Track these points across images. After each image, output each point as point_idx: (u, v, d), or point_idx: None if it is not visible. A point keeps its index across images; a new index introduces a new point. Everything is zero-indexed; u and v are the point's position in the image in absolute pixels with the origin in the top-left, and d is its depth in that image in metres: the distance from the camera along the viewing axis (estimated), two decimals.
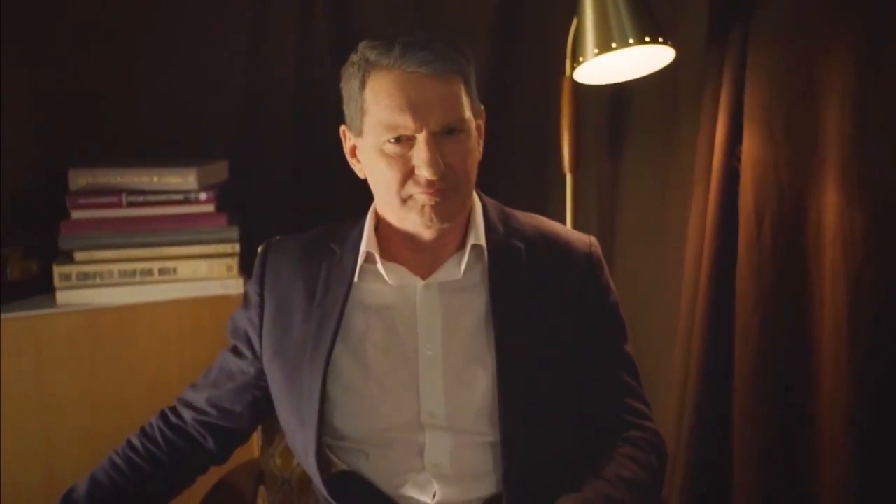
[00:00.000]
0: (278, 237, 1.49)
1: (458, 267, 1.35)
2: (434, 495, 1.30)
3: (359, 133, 1.32)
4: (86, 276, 1.78)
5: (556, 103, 2.00)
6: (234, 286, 1.80)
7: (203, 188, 1.83)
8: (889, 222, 1.63)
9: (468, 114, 1.30)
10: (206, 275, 1.81)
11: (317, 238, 1.46)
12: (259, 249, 1.48)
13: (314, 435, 1.32)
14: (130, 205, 1.80)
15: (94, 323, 1.80)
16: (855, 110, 1.66)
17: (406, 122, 1.25)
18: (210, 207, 1.81)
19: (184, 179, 1.80)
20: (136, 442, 1.41)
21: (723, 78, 1.90)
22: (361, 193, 1.48)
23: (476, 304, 1.35)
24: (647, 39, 1.75)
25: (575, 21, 1.84)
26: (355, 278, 1.36)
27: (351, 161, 1.38)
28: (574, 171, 1.98)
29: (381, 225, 1.40)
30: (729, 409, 1.86)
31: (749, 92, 1.81)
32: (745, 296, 1.78)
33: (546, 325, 1.36)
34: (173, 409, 1.46)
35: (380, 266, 1.36)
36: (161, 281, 1.81)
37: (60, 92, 2.04)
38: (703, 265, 1.86)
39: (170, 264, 1.82)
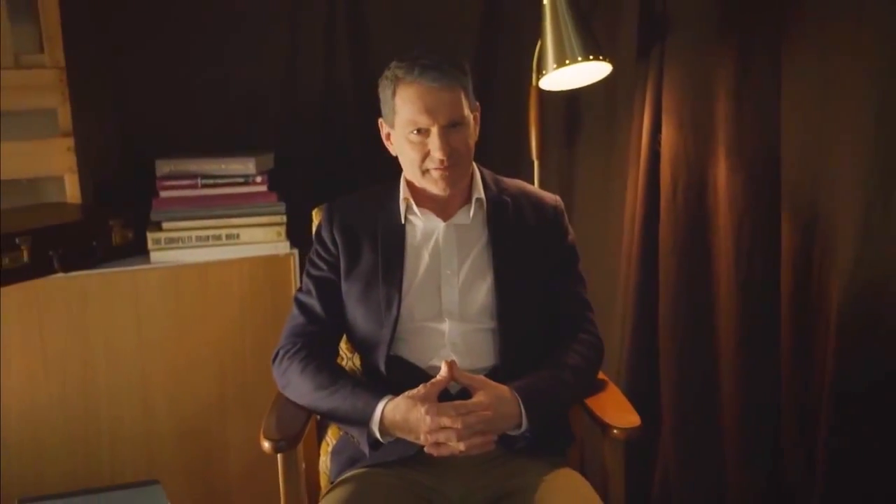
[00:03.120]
0: (336, 201, 1.82)
1: (468, 214, 1.76)
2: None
3: (391, 125, 1.73)
4: (171, 240, 2.08)
5: (525, 105, 2.28)
6: (283, 247, 2.11)
7: (258, 173, 2.11)
8: (758, 183, 1.99)
9: (467, 112, 1.69)
10: (261, 239, 2.12)
11: (365, 197, 1.84)
12: (323, 208, 1.82)
13: (390, 332, 1.68)
14: (204, 186, 2.10)
15: (177, 276, 2.06)
16: (734, 105, 2.01)
17: (424, 120, 1.66)
18: (264, 188, 2.12)
19: (244, 167, 2.11)
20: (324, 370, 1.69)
21: (647, 84, 2.19)
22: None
23: (479, 238, 1.75)
24: (591, 57, 2.05)
25: (539, 43, 2.14)
26: (402, 220, 1.75)
27: (386, 143, 1.77)
28: (539, 157, 2.28)
29: (409, 187, 1.78)
30: (656, 340, 2.18)
31: (665, 94, 2.15)
32: (665, 243, 2.13)
33: (527, 252, 1.75)
34: (305, 344, 1.73)
35: (415, 209, 1.75)
36: (227, 244, 2.11)
37: (134, 98, 2.25)
38: (636, 223, 2.20)
39: (234, 231, 2.11)
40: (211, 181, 2.11)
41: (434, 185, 1.71)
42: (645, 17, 2.17)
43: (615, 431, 1.57)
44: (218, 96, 2.28)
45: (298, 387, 1.68)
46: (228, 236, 2.12)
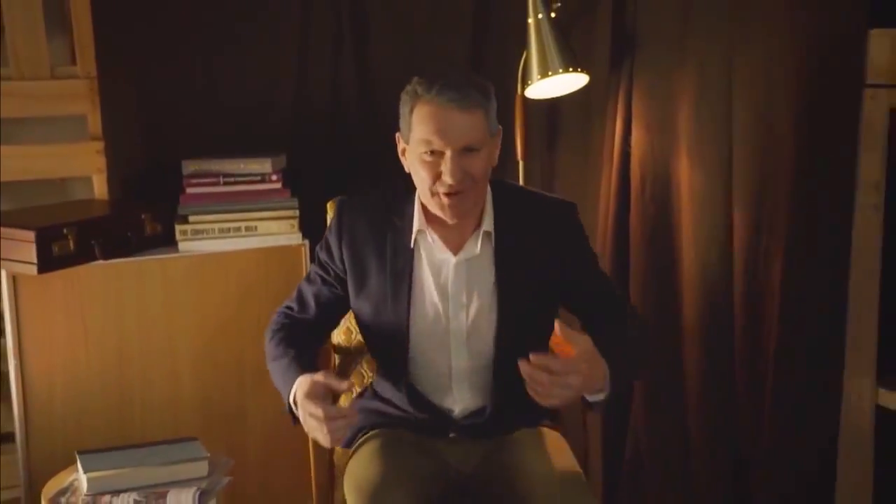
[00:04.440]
0: (345, 197, 1.82)
1: (476, 245, 1.69)
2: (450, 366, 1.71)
3: (407, 142, 1.65)
4: (196, 231, 2.28)
5: (511, 112, 2.38)
6: (295, 238, 2.31)
7: (273, 171, 2.30)
8: (715, 178, 2.17)
9: (484, 137, 1.60)
10: (276, 231, 2.31)
11: (378, 206, 1.76)
12: (334, 208, 1.81)
13: (404, 357, 1.70)
14: (225, 183, 2.30)
15: (202, 263, 2.26)
16: (694, 110, 2.19)
17: (438, 142, 1.57)
18: (279, 185, 2.31)
19: (261, 166, 2.30)
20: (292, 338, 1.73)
21: (619, 93, 2.37)
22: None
23: (488, 273, 1.70)
24: (570, 69, 2.22)
25: (524, 56, 2.30)
26: (411, 244, 1.69)
27: (401, 159, 1.70)
28: (524, 158, 2.42)
29: (423, 205, 1.70)
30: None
31: (635, 102, 2.33)
32: (636, 233, 2.31)
33: (535, 280, 1.70)
34: (290, 325, 1.77)
35: (429, 237, 1.69)
36: (246, 235, 2.30)
37: (159, 104, 2.45)
38: (610, 215, 2.38)
39: (252, 224, 2.30)
40: (231, 179, 2.32)
41: (442, 212, 1.64)
42: (616, 35, 2.37)
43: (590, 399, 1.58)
44: (235, 101, 2.49)
45: (266, 356, 1.76)
46: (247, 228, 2.32)
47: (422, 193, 1.67)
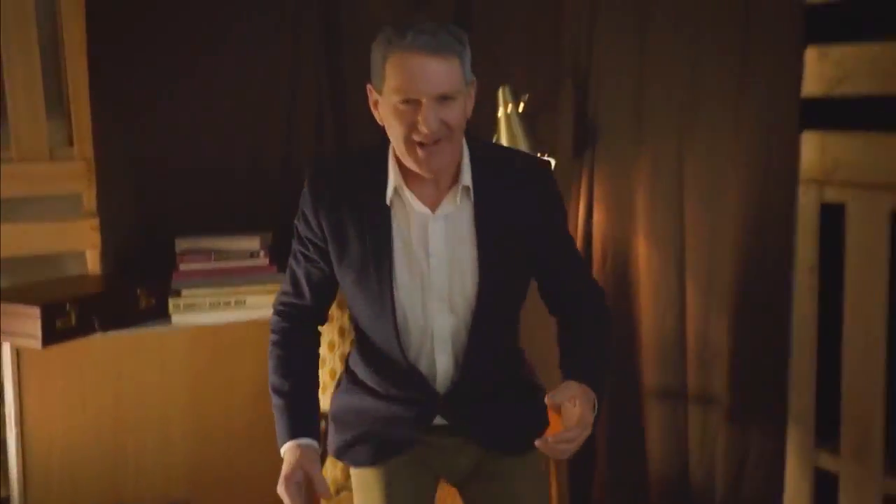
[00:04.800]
0: (321, 166, 1.72)
1: (455, 200, 1.65)
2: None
3: (380, 92, 1.58)
4: (189, 305, 2.42)
5: None
6: None
7: (261, 248, 2.47)
8: (669, 255, 2.33)
9: (459, 85, 1.55)
10: (264, 304, 2.41)
11: (351, 167, 1.70)
12: (308, 181, 1.69)
13: (394, 320, 1.65)
14: (216, 260, 2.47)
15: (194, 335, 2.41)
16: (649, 195, 2.37)
17: (413, 89, 1.51)
18: (266, 261, 2.49)
19: (250, 244, 2.48)
20: (292, 363, 1.70)
21: (582, 178, 2.55)
22: None
23: (467, 229, 1.66)
24: (538, 155, 2.36)
25: (494, 138, 2.47)
26: (387, 202, 1.63)
27: (374, 111, 1.63)
28: None
29: (399, 161, 1.64)
30: None
31: (596, 186, 2.51)
32: None
33: (514, 235, 1.67)
34: (292, 316, 1.75)
35: (406, 194, 1.63)
36: (236, 308, 2.45)
37: (151, 183, 2.58)
38: None
39: (241, 298, 2.46)
40: (223, 256, 2.48)
41: (418, 165, 1.58)
42: (579, 126, 2.55)
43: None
44: (225, 182, 2.65)
45: (269, 368, 1.74)
46: (237, 302, 2.47)
47: (397, 146, 1.61)
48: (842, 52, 1.97)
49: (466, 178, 1.65)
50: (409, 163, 1.60)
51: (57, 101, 2.60)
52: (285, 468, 1.59)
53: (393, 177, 1.65)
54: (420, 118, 1.53)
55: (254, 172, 2.71)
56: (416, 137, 1.55)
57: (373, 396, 1.79)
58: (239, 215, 2.66)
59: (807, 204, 2.08)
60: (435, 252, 1.66)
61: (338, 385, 1.92)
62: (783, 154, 2.09)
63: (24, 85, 2.47)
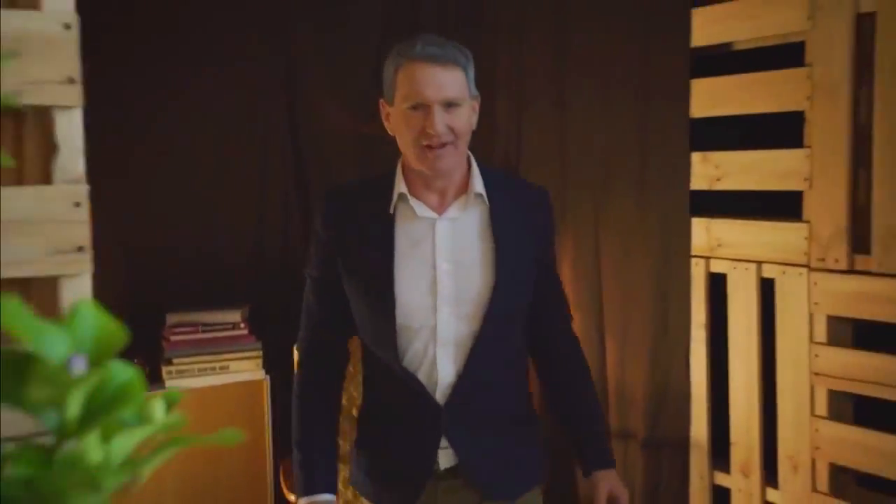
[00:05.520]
0: (335, 189, 1.81)
1: (463, 207, 1.71)
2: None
3: (391, 103, 1.68)
4: (180, 371, 2.73)
5: None
6: (259, 374, 2.78)
7: (242, 321, 2.81)
8: (589, 317, 2.79)
9: (464, 94, 1.64)
10: (244, 369, 2.77)
11: (360, 187, 1.79)
12: (322, 200, 1.78)
13: (393, 324, 1.67)
14: (203, 332, 2.77)
15: (186, 397, 2.76)
16: (572, 268, 2.82)
17: (422, 95, 1.61)
18: (246, 331, 2.81)
19: (232, 317, 2.81)
20: (320, 404, 1.76)
21: None
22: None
23: (475, 234, 1.71)
24: None
25: None
26: (391, 209, 1.69)
27: (385, 124, 1.72)
28: None
29: (405, 172, 1.72)
30: None
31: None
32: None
33: (522, 246, 1.73)
34: (312, 361, 1.78)
35: (411, 201, 1.68)
36: (220, 373, 2.76)
37: (140, 265, 2.89)
38: None
39: (225, 364, 2.77)
40: (209, 328, 2.81)
41: (427, 166, 1.65)
42: None
43: None
44: (206, 260, 3.00)
45: (293, 412, 1.80)
46: (221, 367, 2.80)
47: (406, 151, 1.68)
48: (719, 157, 2.55)
49: (479, 185, 1.72)
50: (418, 165, 1.66)
51: None
52: None
53: (398, 185, 1.71)
54: (428, 122, 1.61)
55: (230, 253, 3.06)
56: (424, 141, 1.63)
57: (382, 433, 1.81)
58: (217, 292, 2.99)
59: (697, 274, 2.63)
60: (441, 253, 1.69)
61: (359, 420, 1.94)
62: (678, 235, 2.63)
63: None
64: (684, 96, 2.55)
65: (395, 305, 1.67)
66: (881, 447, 2.18)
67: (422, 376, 1.72)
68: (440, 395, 1.73)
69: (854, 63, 2.18)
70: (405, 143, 1.68)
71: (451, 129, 1.64)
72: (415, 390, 1.72)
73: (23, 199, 0.99)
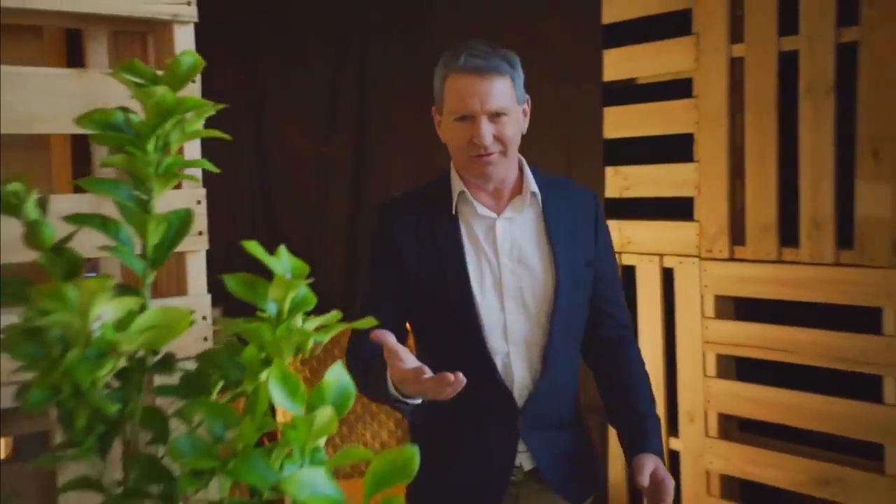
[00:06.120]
0: (388, 201, 1.79)
1: (520, 207, 1.71)
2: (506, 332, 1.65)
3: (440, 113, 1.69)
4: None
5: None
6: None
7: None
8: None
9: (511, 102, 1.63)
10: None
11: (417, 194, 1.78)
12: (378, 211, 1.75)
13: (477, 320, 1.64)
14: None
15: None
16: None
17: (467, 107, 1.61)
18: None
19: None
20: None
21: None
22: None
23: (533, 232, 1.71)
24: None
25: None
26: (453, 211, 1.67)
27: (438, 131, 1.72)
28: None
29: (460, 174, 1.71)
30: None
31: None
32: None
33: (577, 244, 1.73)
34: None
35: (469, 198, 1.68)
36: None
37: None
38: None
39: None
40: None
41: (477, 175, 1.67)
42: None
43: None
44: None
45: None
46: None
47: (457, 160, 1.71)
48: (628, 170, 3.14)
49: (533, 185, 1.73)
50: (468, 173, 1.69)
51: None
52: (403, 376, 1.45)
53: (456, 185, 1.72)
54: (475, 133, 1.62)
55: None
56: (472, 152, 1.64)
57: (450, 439, 1.73)
58: None
59: None
60: (503, 252, 1.70)
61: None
62: None
63: None
64: (599, 122, 3.14)
65: (474, 301, 1.67)
66: (759, 397, 2.76)
67: (499, 375, 1.69)
68: (517, 396, 1.71)
69: (730, 96, 2.78)
70: (454, 152, 1.70)
71: (498, 139, 1.64)
72: (494, 390, 1.68)
73: (176, 198, 1.45)
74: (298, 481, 0.83)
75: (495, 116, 1.63)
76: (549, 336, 1.69)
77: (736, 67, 2.77)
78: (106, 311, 0.89)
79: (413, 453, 0.86)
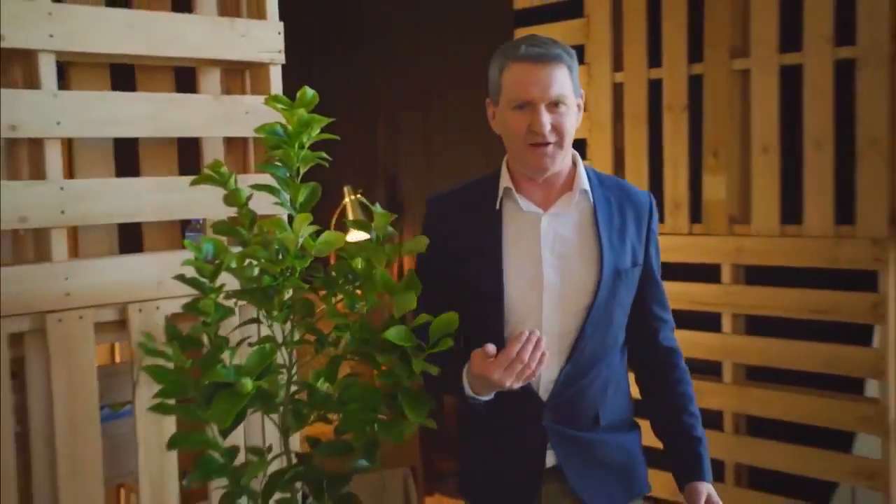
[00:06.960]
0: (436, 194, 1.83)
1: (569, 204, 1.69)
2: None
3: (496, 103, 1.68)
4: None
5: None
6: None
7: None
8: None
9: (569, 93, 1.62)
10: None
11: (466, 187, 1.79)
12: (426, 204, 1.80)
13: (501, 315, 1.67)
14: None
15: None
16: None
17: (528, 94, 1.61)
18: None
19: None
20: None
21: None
22: None
23: (581, 230, 1.70)
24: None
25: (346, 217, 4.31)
26: (497, 206, 1.68)
27: (491, 123, 1.72)
28: None
29: (511, 169, 1.71)
30: None
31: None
32: None
33: (626, 245, 1.72)
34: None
35: (516, 195, 1.68)
36: None
37: None
38: None
39: None
40: None
41: (533, 163, 1.64)
42: (391, 203, 4.21)
43: None
44: None
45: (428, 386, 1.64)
46: None
47: (511, 150, 1.69)
48: None
49: (584, 182, 1.71)
50: (522, 165, 1.67)
51: None
52: (487, 373, 1.56)
53: (503, 181, 1.71)
54: (534, 121, 1.60)
55: None
56: (530, 140, 1.62)
57: (488, 431, 1.77)
58: None
59: None
60: (546, 247, 1.69)
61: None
62: None
63: None
64: None
65: (503, 297, 1.68)
66: None
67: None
68: (543, 391, 1.72)
69: (613, 111, 3.65)
70: (511, 141, 1.68)
71: (556, 129, 1.63)
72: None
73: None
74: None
75: (553, 106, 1.63)
76: (581, 331, 1.69)
77: (617, 90, 3.59)
78: (303, 232, 1.69)
79: (453, 317, 1.57)
